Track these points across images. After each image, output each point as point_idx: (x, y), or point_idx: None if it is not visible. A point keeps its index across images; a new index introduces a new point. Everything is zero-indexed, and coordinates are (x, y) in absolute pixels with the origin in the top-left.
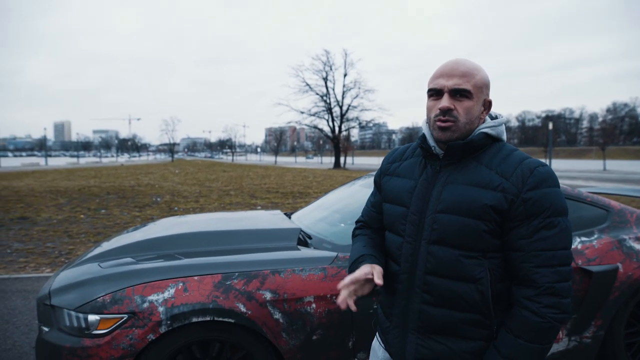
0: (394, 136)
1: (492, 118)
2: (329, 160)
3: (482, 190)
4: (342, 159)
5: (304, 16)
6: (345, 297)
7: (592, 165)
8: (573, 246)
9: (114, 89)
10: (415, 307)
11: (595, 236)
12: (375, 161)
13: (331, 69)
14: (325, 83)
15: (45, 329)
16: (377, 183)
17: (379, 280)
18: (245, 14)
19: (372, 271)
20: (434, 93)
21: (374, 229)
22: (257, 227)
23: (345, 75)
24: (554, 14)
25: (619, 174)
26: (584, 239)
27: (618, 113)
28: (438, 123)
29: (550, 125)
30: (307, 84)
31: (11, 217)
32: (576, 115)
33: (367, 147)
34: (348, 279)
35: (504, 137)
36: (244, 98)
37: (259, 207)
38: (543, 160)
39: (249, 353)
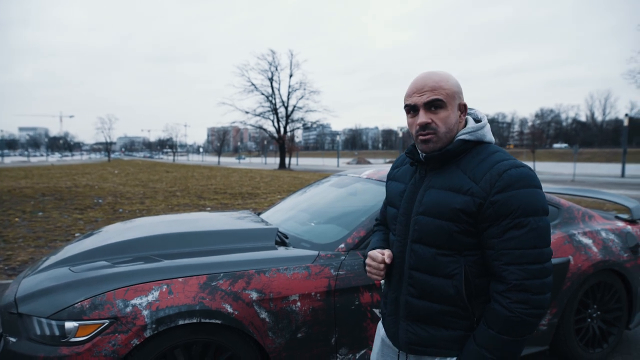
0: (337, 137)
1: (476, 120)
2: (273, 161)
3: (453, 194)
4: (287, 160)
5: (262, 16)
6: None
7: None
8: None
9: (47, 85)
10: (403, 299)
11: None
12: (319, 162)
13: (277, 69)
14: (271, 83)
15: (12, 339)
16: (386, 187)
17: (388, 259)
18: (203, 10)
19: (381, 254)
20: (410, 109)
21: (387, 226)
22: (234, 228)
23: (290, 75)
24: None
25: (548, 175)
26: None
27: (545, 118)
28: (420, 137)
29: None
30: (253, 84)
31: None
32: (508, 119)
33: (311, 147)
34: (368, 258)
35: (488, 138)
36: (189, 97)
37: (209, 209)
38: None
39: (235, 354)
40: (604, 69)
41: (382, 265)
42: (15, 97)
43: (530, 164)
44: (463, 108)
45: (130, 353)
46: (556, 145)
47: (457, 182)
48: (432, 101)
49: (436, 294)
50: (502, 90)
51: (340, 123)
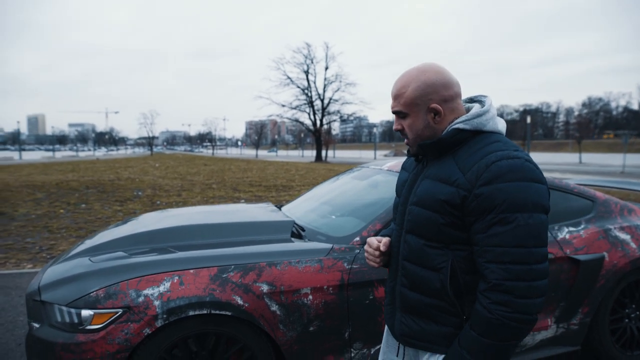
0: (374, 130)
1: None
2: (310, 154)
3: (441, 185)
4: (323, 152)
5: (298, 12)
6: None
7: (569, 158)
8: (561, 236)
9: (94, 83)
10: (398, 289)
11: (582, 226)
12: (355, 154)
13: (312, 62)
14: (307, 76)
15: (36, 325)
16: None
17: (383, 247)
18: (240, 7)
19: (378, 241)
20: None
21: None
22: (250, 220)
23: (326, 68)
24: (540, 13)
25: (594, 167)
26: (571, 228)
27: (593, 107)
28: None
29: (529, 119)
30: (289, 77)
31: None
32: (553, 109)
33: (348, 140)
34: (366, 244)
35: (489, 127)
36: (228, 92)
37: (243, 201)
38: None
39: (246, 345)
40: None
41: (377, 252)
42: (65, 95)
43: (575, 156)
44: (434, 110)
45: (143, 342)
46: (621, 133)
47: (446, 172)
48: (395, 112)
49: (425, 286)
50: (546, 80)
51: (377, 115)
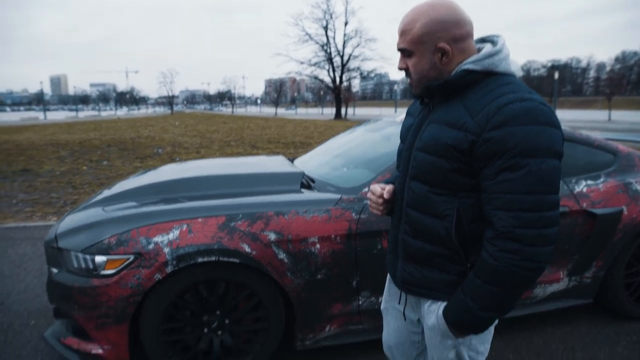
0: (395, 87)
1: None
2: (330, 112)
3: (448, 129)
4: (343, 110)
5: None
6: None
7: (598, 115)
8: (578, 189)
9: (114, 42)
10: (400, 237)
11: (602, 179)
12: (376, 112)
13: (331, 17)
14: (326, 32)
15: (55, 270)
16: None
17: (386, 194)
18: None
19: (381, 188)
20: None
21: None
22: (259, 171)
23: (346, 23)
24: None
25: (624, 124)
26: (590, 182)
27: (627, 62)
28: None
29: (556, 75)
30: (307, 33)
31: (14, 169)
32: (583, 64)
33: (369, 97)
34: (369, 192)
35: (502, 68)
36: (247, 49)
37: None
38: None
39: (254, 292)
40: None
41: (380, 200)
42: (86, 55)
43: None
44: (441, 50)
45: (154, 287)
46: None
47: (454, 116)
48: (400, 50)
49: (429, 234)
50: (576, 34)
51: (398, 72)
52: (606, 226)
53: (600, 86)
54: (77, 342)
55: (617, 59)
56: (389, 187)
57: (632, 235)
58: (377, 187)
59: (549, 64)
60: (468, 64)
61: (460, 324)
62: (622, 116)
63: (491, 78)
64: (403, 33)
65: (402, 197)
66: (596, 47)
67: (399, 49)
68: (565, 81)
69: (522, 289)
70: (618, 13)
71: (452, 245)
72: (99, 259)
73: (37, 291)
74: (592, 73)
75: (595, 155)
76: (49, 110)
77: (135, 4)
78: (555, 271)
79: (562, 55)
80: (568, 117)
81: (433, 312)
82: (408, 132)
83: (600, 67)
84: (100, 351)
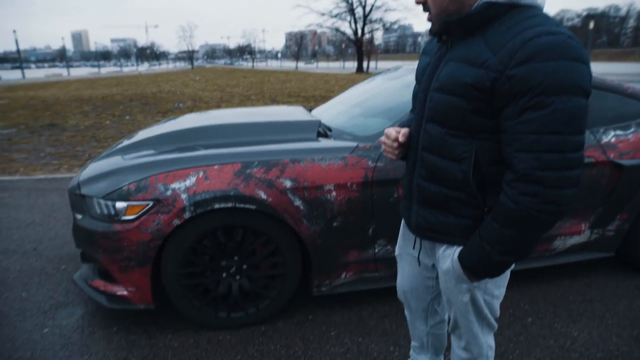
0: (419, 39)
1: None
2: (352, 65)
3: (468, 67)
4: (365, 64)
5: None
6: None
7: (634, 68)
8: (606, 139)
9: None
10: (415, 181)
11: (632, 130)
12: (399, 65)
13: None
14: None
15: (79, 216)
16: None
17: (402, 138)
18: None
19: (396, 131)
20: None
21: None
22: (276, 119)
23: None
24: None
25: None
26: (619, 132)
27: None
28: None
29: (592, 25)
30: None
31: (40, 124)
32: (622, 12)
33: (392, 50)
34: (383, 136)
35: (528, 0)
36: (266, 1)
37: None
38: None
39: (271, 238)
40: None
41: (395, 144)
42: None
43: None
44: None
45: (174, 232)
46: None
47: (474, 53)
48: None
49: (445, 177)
50: None
51: (422, 23)
52: (633, 178)
53: (639, 37)
54: (103, 284)
55: None
56: (404, 130)
57: None
58: (392, 131)
59: (584, 13)
60: None
61: (477, 268)
62: None
63: (515, 11)
64: None
65: (418, 140)
66: None
67: None
68: (601, 31)
69: (541, 232)
70: None
71: (469, 189)
72: (120, 205)
73: (66, 238)
74: (631, 22)
75: (627, 104)
76: (71, 66)
77: None
78: (577, 223)
79: (600, 3)
80: (602, 70)
81: (448, 256)
82: (424, 73)
83: None
84: (125, 293)
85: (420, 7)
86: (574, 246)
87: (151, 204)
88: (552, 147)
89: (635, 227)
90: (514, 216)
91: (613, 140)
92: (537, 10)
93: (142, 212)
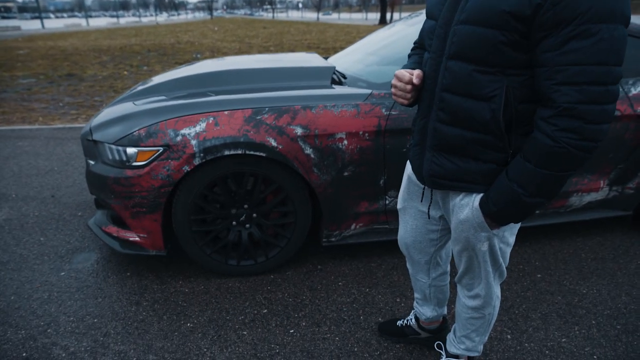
0: None
1: None
2: (375, 17)
3: None
4: (388, 15)
5: None
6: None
7: None
8: (635, 91)
9: None
10: (431, 125)
11: None
12: (423, 16)
13: None
14: None
15: (91, 162)
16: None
17: (416, 80)
18: None
19: (410, 73)
20: None
21: (425, 50)
22: (290, 65)
23: None
24: None
25: None
26: None
27: None
28: None
29: None
30: None
31: (59, 74)
32: None
33: (416, 1)
34: (394, 78)
35: None
36: None
37: None
38: None
39: (281, 186)
40: None
41: (409, 87)
42: None
43: None
44: None
45: (184, 178)
46: None
47: None
48: None
49: (469, 119)
50: None
51: None
52: None
53: None
54: (116, 230)
55: None
56: (417, 72)
57: None
58: (404, 73)
59: None
60: None
61: (504, 212)
62: None
63: None
64: None
65: (435, 81)
66: None
67: None
68: None
69: (574, 171)
70: None
71: (496, 130)
72: (130, 150)
73: (83, 186)
74: None
75: None
76: (90, 16)
77: None
78: (596, 180)
79: None
80: None
81: (466, 205)
82: (441, 6)
83: None
84: (137, 238)
85: None
86: (591, 203)
87: (161, 149)
88: (597, 79)
89: None
90: (551, 154)
91: (638, 91)
92: None
93: (152, 157)
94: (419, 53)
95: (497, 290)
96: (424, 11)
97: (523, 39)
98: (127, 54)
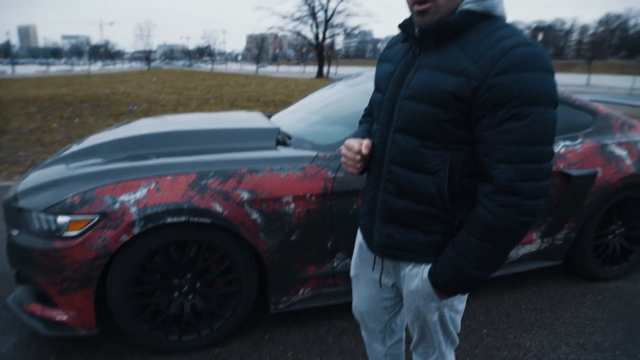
0: (379, 45)
1: None
2: (312, 70)
3: (446, 75)
4: (325, 68)
5: None
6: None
7: (576, 79)
8: (556, 150)
9: None
10: (380, 196)
11: (579, 140)
12: (359, 71)
13: None
14: None
15: (15, 232)
16: (375, 70)
17: (365, 150)
18: None
19: (359, 143)
20: None
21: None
22: (234, 127)
23: None
24: None
25: (602, 89)
26: (567, 142)
27: (610, 25)
28: (415, 7)
29: (540, 37)
30: None
31: None
32: (567, 26)
33: (352, 56)
34: (344, 147)
35: (499, 11)
36: (228, 2)
37: None
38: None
39: (226, 254)
40: None
41: (358, 157)
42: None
43: (584, 77)
44: None
45: (121, 248)
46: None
47: (452, 61)
48: None
49: (415, 192)
50: None
51: (383, 29)
52: (581, 188)
53: (582, 49)
54: (40, 308)
55: (601, 22)
56: (366, 142)
57: (603, 197)
58: (354, 142)
59: (534, 25)
60: (469, 4)
61: (452, 285)
62: (601, 80)
63: (486, 21)
64: None
65: (384, 152)
66: (582, 8)
67: None
68: (548, 43)
69: (515, 244)
70: None
71: (441, 203)
72: (62, 219)
73: (1, 258)
74: (575, 36)
75: (575, 115)
76: (17, 63)
77: None
78: (529, 233)
79: (548, 15)
80: None
81: (416, 275)
82: (388, 80)
83: (584, 29)
84: (64, 318)
85: (379, 12)
86: (526, 255)
87: (97, 218)
88: (531, 158)
89: (581, 237)
90: (493, 229)
91: (562, 150)
92: (504, 21)
93: (86, 227)
94: (369, 121)
95: (451, 358)
96: (363, 73)
97: (464, 117)
98: (57, 105)
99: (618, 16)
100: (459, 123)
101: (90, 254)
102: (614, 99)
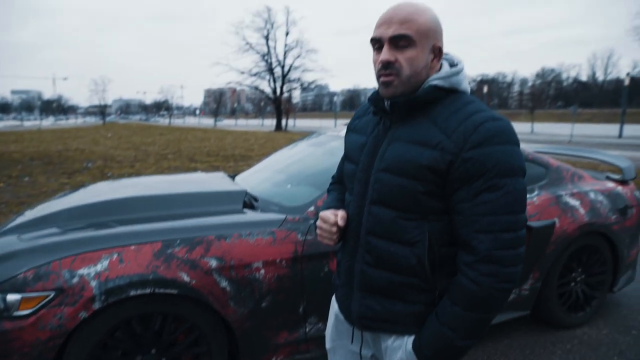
0: (335, 98)
1: (452, 65)
2: (270, 123)
3: (420, 148)
4: (283, 121)
5: None
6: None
7: (521, 127)
8: None
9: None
10: (358, 267)
11: (536, 192)
12: (316, 123)
13: (272, 27)
14: (267, 42)
15: None
16: (344, 140)
17: (341, 221)
18: None
19: (334, 215)
20: (376, 43)
21: (344, 186)
22: (200, 190)
23: (287, 33)
24: None
25: (546, 136)
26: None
27: (546, 78)
28: (381, 78)
29: (485, 89)
30: (248, 43)
31: None
32: (509, 79)
33: (309, 108)
34: (319, 220)
35: (464, 86)
36: (185, 58)
37: (199, 171)
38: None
39: (194, 325)
40: (611, 28)
41: (334, 229)
42: (9, 59)
43: (528, 125)
44: (437, 51)
45: (79, 326)
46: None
47: (425, 134)
48: (399, 36)
49: (395, 262)
50: (505, 50)
51: (339, 83)
52: (541, 239)
53: (523, 100)
54: None
55: (538, 75)
56: (341, 213)
57: (563, 246)
58: (329, 214)
59: (479, 78)
60: (436, 80)
61: (438, 356)
62: (543, 128)
63: (454, 96)
64: (406, 20)
65: (360, 223)
66: (520, 63)
67: (395, 37)
68: (493, 95)
69: (497, 312)
70: (541, 32)
71: (421, 273)
72: (12, 297)
73: None
74: (516, 87)
75: (530, 168)
76: None
77: (72, 8)
78: None
79: (491, 69)
80: None
81: (399, 347)
82: (360, 152)
83: (524, 82)
84: None
85: (334, 68)
86: None
87: (53, 294)
88: (508, 227)
89: (545, 286)
90: (476, 298)
91: None
92: (470, 95)
93: (40, 305)
94: (339, 189)
95: None
96: (325, 132)
97: (440, 189)
98: (4, 163)
99: (552, 70)
100: (435, 195)
101: (44, 335)
102: (559, 150)
